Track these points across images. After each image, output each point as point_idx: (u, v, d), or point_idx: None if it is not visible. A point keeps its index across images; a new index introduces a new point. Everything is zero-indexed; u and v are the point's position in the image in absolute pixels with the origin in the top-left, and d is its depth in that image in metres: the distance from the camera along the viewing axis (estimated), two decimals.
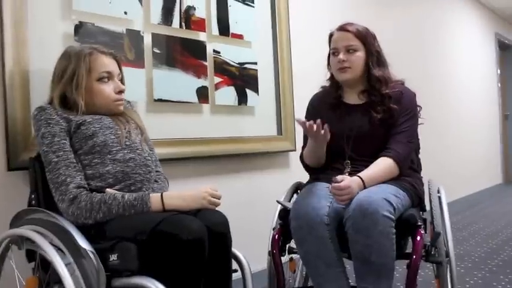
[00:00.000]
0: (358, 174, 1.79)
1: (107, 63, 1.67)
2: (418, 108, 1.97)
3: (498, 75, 7.20)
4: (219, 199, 1.57)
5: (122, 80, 1.74)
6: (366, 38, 1.94)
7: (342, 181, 1.70)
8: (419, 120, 1.98)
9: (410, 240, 1.80)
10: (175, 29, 2.35)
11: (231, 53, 2.60)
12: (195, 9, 2.44)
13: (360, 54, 1.93)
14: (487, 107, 6.74)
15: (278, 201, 1.94)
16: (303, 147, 2.06)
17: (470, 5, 6.28)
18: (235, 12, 2.63)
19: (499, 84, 7.22)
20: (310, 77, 2.82)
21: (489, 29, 6.94)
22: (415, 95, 1.98)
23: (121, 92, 1.69)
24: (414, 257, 1.68)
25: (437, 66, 5.22)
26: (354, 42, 1.93)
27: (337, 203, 1.73)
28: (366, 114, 1.93)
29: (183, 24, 2.38)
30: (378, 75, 1.92)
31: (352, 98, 2.00)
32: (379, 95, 1.92)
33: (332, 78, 2.05)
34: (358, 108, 1.97)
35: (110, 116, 1.67)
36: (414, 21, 4.70)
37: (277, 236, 1.87)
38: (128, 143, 1.63)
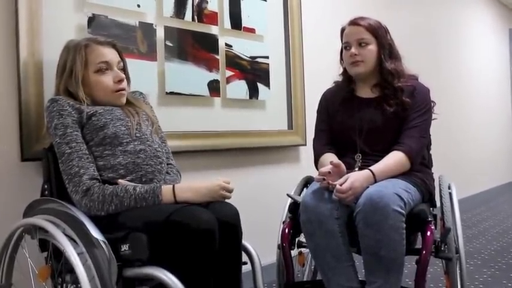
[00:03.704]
0: (369, 168, 1.79)
1: (105, 53, 1.66)
2: (432, 104, 1.96)
3: (511, 71, 7.12)
4: (231, 192, 1.57)
5: (124, 69, 1.72)
6: (378, 31, 1.93)
7: (343, 183, 1.70)
8: (433, 116, 1.97)
9: (419, 236, 1.80)
10: (188, 22, 2.35)
11: (243, 47, 2.60)
12: (207, 2, 2.44)
13: (372, 48, 1.93)
14: (499, 104, 6.67)
15: (288, 195, 1.94)
16: (318, 149, 2.03)
17: (485, 1, 6.21)
18: (248, 6, 2.63)
19: None
20: (321, 72, 2.82)
21: (503, 25, 6.87)
22: (428, 90, 1.97)
23: (120, 81, 1.67)
24: (424, 252, 1.68)
25: (450, 62, 5.18)
26: (366, 36, 1.92)
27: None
28: (378, 108, 1.93)
29: (196, 17, 2.38)
30: (390, 68, 1.92)
31: (365, 91, 2.00)
32: (391, 88, 1.92)
33: (345, 72, 2.05)
34: (370, 102, 1.96)
35: (121, 107, 1.68)
36: (428, 18, 4.66)
37: (287, 229, 1.87)
38: (138, 134, 1.64)
